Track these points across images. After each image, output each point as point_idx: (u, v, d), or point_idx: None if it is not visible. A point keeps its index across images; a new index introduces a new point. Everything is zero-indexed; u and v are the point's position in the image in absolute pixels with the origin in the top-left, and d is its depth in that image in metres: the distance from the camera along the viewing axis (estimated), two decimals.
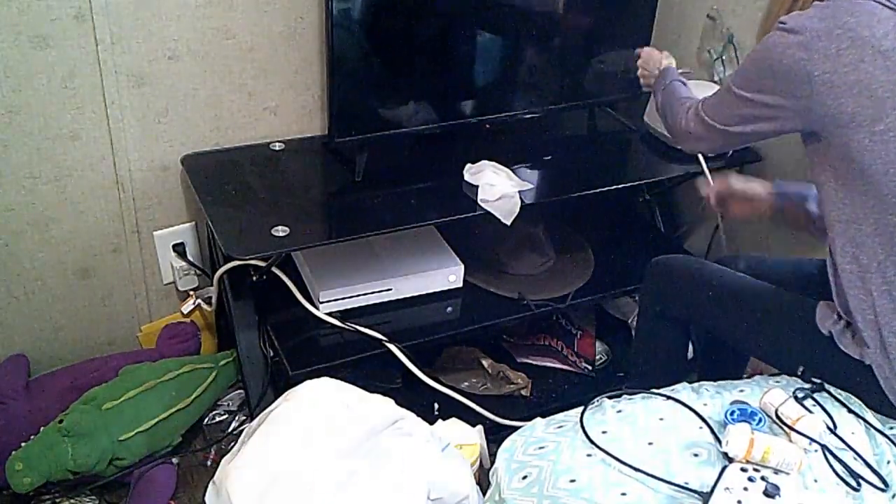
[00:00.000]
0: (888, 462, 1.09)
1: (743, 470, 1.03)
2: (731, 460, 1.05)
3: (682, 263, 1.60)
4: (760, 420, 1.13)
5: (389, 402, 1.34)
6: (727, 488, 1.00)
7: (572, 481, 1.03)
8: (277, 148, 1.84)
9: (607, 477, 1.04)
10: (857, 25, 1.17)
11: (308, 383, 1.35)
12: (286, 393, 1.35)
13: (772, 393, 1.16)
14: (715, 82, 1.91)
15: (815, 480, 1.04)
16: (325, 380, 1.36)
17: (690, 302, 1.52)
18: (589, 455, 1.08)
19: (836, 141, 1.21)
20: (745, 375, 1.68)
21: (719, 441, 1.09)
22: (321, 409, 1.29)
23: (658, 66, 1.68)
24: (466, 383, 1.86)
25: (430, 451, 1.27)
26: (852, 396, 1.20)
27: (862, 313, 1.21)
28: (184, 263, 1.87)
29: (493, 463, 1.15)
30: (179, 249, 1.87)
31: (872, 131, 1.17)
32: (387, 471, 1.20)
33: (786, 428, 1.11)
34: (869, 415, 1.18)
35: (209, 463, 1.70)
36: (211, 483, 1.26)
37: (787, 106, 1.24)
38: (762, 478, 1.02)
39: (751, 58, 1.30)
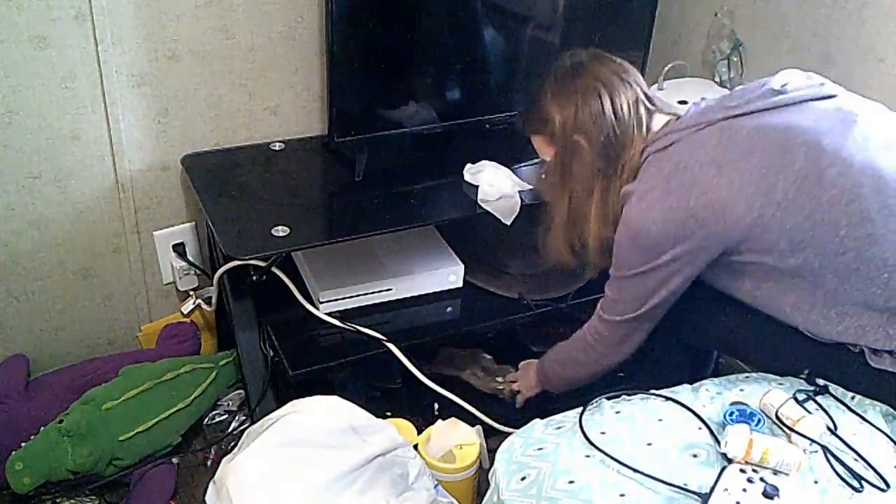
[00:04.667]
0: (894, 466, 1.08)
1: (742, 471, 1.03)
2: (730, 461, 1.05)
3: None
4: (760, 421, 1.12)
5: (393, 429, 1.35)
6: (726, 489, 1.00)
7: (571, 482, 1.03)
8: (277, 148, 1.84)
9: (606, 478, 1.04)
10: (686, 158, 1.24)
11: (319, 398, 1.37)
12: (294, 403, 1.36)
13: (772, 394, 1.15)
14: (717, 83, 1.90)
15: (816, 482, 1.04)
16: (335, 398, 1.39)
17: (689, 321, 1.44)
18: (588, 456, 1.08)
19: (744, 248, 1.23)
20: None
21: (718, 442, 1.09)
22: (328, 424, 1.30)
23: (532, 385, 1.69)
24: (467, 380, 1.86)
25: (421, 486, 1.30)
26: (857, 396, 1.20)
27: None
28: (184, 263, 1.87)
29: (492, 463, 1.15)
30: (179, 249, 1.87)
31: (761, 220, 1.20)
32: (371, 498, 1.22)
33: (786, 429, 1.11)
34: (871, 414, 1.17)
35: (209, 463, 1.70)
36: (211, 483, 1.26)
37: (688, 249, 1.24)
38: (761, 479, 1.02)
39: (625, 240, 1.30)
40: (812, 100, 1.25)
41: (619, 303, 1.38)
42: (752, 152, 1.20)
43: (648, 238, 1.26)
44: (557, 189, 1.43)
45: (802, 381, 1.24)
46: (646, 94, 1.37)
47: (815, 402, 1.18)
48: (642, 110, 1.35)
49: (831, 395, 1.20)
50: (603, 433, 1.12)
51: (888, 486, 1.05)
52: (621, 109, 1.33)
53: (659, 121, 1.36)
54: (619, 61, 1.39)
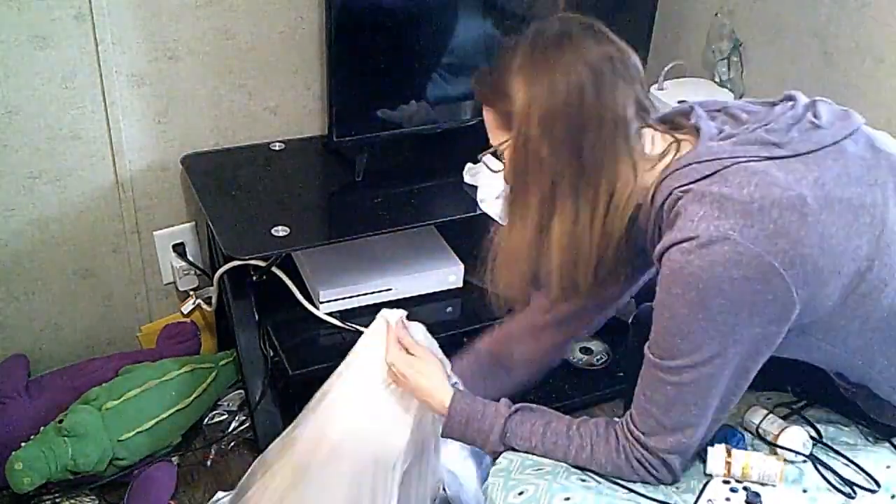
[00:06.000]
0: (887, 467, 1.08)
1: (725, 482, 1.04)
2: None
3: None
4: (740, 439, 1.12)
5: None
6: (709, 500, 1.01)
7: (567, 500, 1.02)
8: (277, 148, 1.84)
9: (600, 497, 1.03)
10: (758, 198, 0.95)
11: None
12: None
13: (751, 411, 1.15)
14: (716, 83, 1.90)
15: (805, 491, 1.04)
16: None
17: None
18: (583, 480, 1.07)
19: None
20: None
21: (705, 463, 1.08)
22: None
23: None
24: None
25: None
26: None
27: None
28: (184, 263, 1.87)
29: (487, 476, 1.13)
30: (179, 249, 1.87)
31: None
32: None
33: (768, 444, 1.11)
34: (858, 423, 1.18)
35: (209, 463, 1.70)
36: None
37: (774, 315, 0.97)
38: (744, 488, 1.02)
39: (683, 308, 0.96)
40: (846, 137, 1.03)
41: (673, 412, 1.01)
42: (831, 207, 0.97)
43: (720, 302, 0.94)
44: (509, 198, 1.09)
45: (786, 395, 1.23)
46: (641, 101, 1.03)
47: (800, 415, 1.18)
48: (634, 119, 1.02)
49: (817, 406, 1.20)
50: None
51: (878, 486, 1.04)
52: (606, 107, 0.99)
53: (651, 141, 1.05)
54: (621, 45, 1.07)
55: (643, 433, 1.03)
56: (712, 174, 0.97)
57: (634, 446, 1.05)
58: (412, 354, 1.23)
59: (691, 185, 0.98)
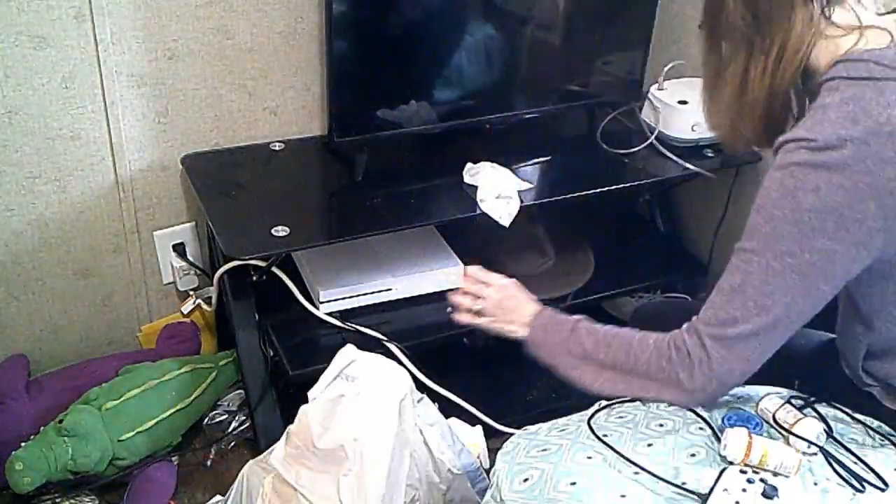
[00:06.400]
0: (894, 469, 1.08)
1: (742, 472, 1.03)
2: (729, 463, 1.05)
3: (670, 308, 1.53)
4: (758, 424, 1.12)
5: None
6: (725, 489, 1.00)
7: (573, 484, 1.03)
8: (277, 148, 1.84)
9: (607, 479, 1.04)
10: None
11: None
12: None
13: (767, 399, 1.15)
14: None
15: (816, 483, 1.04)
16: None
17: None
18: (589, 458, 1.08)
19: None
20: None
21: (719, 441, 1.09)
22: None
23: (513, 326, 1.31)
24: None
25: None
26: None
27: None
28: (184, 263, 1.87)
29: (492, 463, 1.15)
30: (179, 249, 1.87)
31: None
32: None
33: (783, 432, 1.11)
34: (869, 421, 1.18)
35: (209, 463, 1.70)
36: None
37: (857, 238, 0.97)
38: (761, 479, 1.02)
39: (776, 196, 0.99)
40: None
41: (742, 299, 1.03)
42: None
43: (813, 202, 0.96)
44: (705, 40, 1.21)
45: (795, 391, 1.23)
46: None
47: (813, 408, 1.18)
48: None
49: (827, 403, 1.20)
50: (605, 435, 1.12)
51: (887, 485, 1.05)
52: None
53: (845, 17, 1.04)
54: None
55: (699, 319, 1.07)
56: (877, 80, 0.97)
57: (683, 333, 1.08)
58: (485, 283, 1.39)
59: (853, 81, 0.99)
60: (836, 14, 1.04)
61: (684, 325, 1.10)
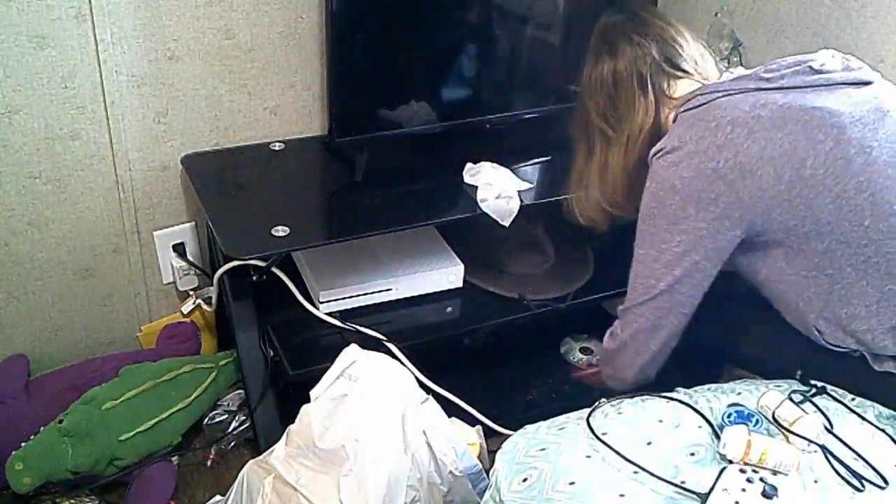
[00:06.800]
0: (894, 465, 1.08)
1: (741, 471, 1.03)
2: (729, 462, 1.05)
3: None
4: (758, 422, 1.12)
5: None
6: (725, 489, 1.00)
7: (571, 483, 1.03)
8: (277, 148, 1.84)
9: (606, 479, 1.04)
10: (718, 118, 1.21)
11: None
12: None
13: (768, 395, 1.15)
14: None
15: (816, 481, 1.04)
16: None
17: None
18: (588, 457, 1.08)
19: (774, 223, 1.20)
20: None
21: (719, 439, 1.09)
22: None
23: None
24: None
25: None
26: (857, 398, 1.20)
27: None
28: (184, 263, 1.87)
29: (492, 463, 1.15)
30: (179, 249, 1.87)
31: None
32: None
33: (783, 430, 1.11)
34: (871, 414, 1.17)
35: (209, 463, 1.70)
36: None
37: (712, 216, 1.20)
38: (760, 479, 1.02)
39: (649, 200, 1.26)
40: (848, 84, 1.24)
41: (635, 285, 1.31)
42: (784, 125, 1.18)
43: (673, 196, 1.22)
44: (577, 143, 1.47)
45: (797, 382, 1.24)
46: (667, 59, 1.33)
47: (812, 403, 1.18)
48: (654, 75, 1.32)
49: (829, 395, 1.20)
50: (605, 433, 1.12)
51: (887, 483, 1.05)
52: (622, 73, 1.33)
53: (685, 86, 1.33)
54: (653, 21, 1.37)
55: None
56: (706, 103, 1.24)
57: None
58: None
59: (689, 111, 1.26)
60: (679, 86, 1.33)
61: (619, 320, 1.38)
